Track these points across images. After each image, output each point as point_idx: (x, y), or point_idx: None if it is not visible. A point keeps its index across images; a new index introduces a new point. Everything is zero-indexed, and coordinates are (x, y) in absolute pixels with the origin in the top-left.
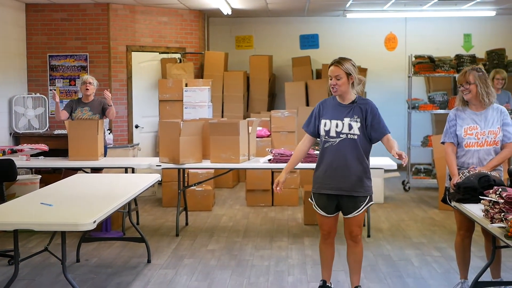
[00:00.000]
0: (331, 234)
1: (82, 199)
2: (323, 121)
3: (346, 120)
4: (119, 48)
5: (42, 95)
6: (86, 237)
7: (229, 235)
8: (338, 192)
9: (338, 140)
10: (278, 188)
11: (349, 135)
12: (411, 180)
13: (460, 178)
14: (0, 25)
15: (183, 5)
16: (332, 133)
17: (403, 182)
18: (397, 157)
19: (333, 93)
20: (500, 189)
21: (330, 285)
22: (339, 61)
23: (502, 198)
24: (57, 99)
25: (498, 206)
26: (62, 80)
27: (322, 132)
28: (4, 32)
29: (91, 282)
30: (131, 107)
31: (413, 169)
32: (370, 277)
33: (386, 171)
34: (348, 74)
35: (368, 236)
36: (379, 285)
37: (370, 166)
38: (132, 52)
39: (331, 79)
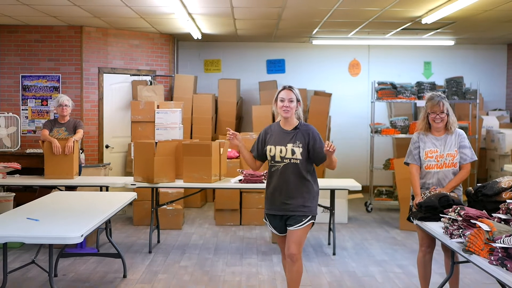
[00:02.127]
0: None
1: (66, 215)
2: (268, 147)
3: (289, 146)
4: (91, 69)
5: (14, 115)
6: (63, 253)
7: (200, 252)
8: (284, 212)
9: (282, 164)
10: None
11: (292, 159)
12: (373, 202)
13: (422, 198)
14: None
15: (155, 29)
16: (277, 158)
17: (365, 203)
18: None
19: (284, 115)
20: (458, 208)
21: None
22: (291, 87)
23: (461, 216)
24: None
25: (456, 223)
26: (34, 100)
27: (268, 157)
28: None
29: None
30: (102, 128)
31: (375, 191)
32: None
33: (350, 192)
34: (297, 100)
35: (334, 254)
36: None
37: (335, 187)
38: (104, 74)
39: (282, 101)
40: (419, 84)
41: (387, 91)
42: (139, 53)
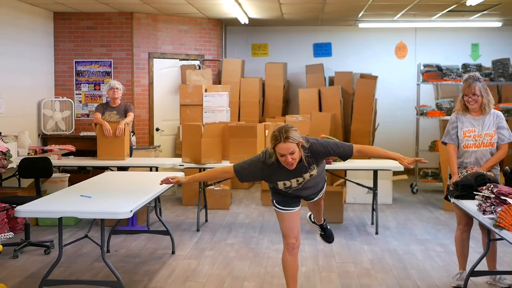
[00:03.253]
0: (297, 242)
1: (116, 193)
2: (280, 183)
3: (306, 175)
4: (142, 55)
5: (68, 99)
6: (115, 230)
7: (246, 231)
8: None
9: (300, 186)
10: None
11: (310, 180)
12: (418, 183)
13: (459, 177)
14: (29, 32)
15: (203, 14)
16: (294, 185)
17: (411, 185)
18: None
19: (291, 168)
20: (492, 186)
21: None
22: (286, 136)
23: (493, 193)
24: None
25: (489, 201)
26: (87, 85)
27: (281, 187)
28: (33, 39)
29: (121, 269)
30: (152, 111)
31: (420, 173)
32: (377, 268)
33: (395, 173)
34: (297, 144)
35: (376, 233)
36: (385, 275)
37: (378, 168)
38: (154, 59)
39: (282, 156)
40: (465, 66)
41: (433, 73)
42: (188, 38)
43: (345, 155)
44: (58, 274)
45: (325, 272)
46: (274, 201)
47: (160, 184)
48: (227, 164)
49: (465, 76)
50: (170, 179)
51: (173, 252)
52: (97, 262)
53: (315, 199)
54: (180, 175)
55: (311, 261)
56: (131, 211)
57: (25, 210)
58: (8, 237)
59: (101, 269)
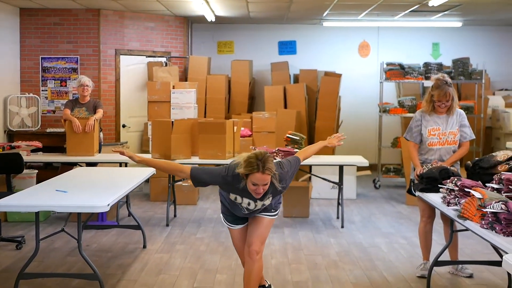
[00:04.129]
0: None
1: (91, 187)
2: (232, 195)
3: (259, 203)
4: (108, 51)
5: (35, 95)
6: (86, 225)
7: (215, 226)
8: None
9: (248, 211)
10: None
11: (260, 210)
12: (381, 179)
13: (424, 169)
14: None
15: (170, 11)
16: (244, 205)
17: (374, 181)
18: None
19: (256, 196)
20: (455, 179)
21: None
22: (266, 168)
23: (457, 186)
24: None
25: (453, 193)
26: (53, 81)
27: (231, 197)
28: None
29: (94, 263)
30: (118, 108)
31: (383, 169)
32: (344, 260)
33: (359, 169)
34: (273, 175)
35: (342, 226)
36: (352, 266)
37: (343, 163)
38: (121, 56)
39: (254, 185)
40: (426, 64)
41: (395, 71)
42: (155, 35)
43: (296, 170)
44: (32, 268)
45: (295, 264)
46: (225, 219)
47: (113, 151)
48: (196, 160)
49: (434, 77)
50: (125, 152)
51: (144, 247)
52: (70, 256)
53: (260, 214)
54: (150, 170)
55: (280, 253)
56: (108, 204)
57: (4, 205)
58: None
59: (75, 263)
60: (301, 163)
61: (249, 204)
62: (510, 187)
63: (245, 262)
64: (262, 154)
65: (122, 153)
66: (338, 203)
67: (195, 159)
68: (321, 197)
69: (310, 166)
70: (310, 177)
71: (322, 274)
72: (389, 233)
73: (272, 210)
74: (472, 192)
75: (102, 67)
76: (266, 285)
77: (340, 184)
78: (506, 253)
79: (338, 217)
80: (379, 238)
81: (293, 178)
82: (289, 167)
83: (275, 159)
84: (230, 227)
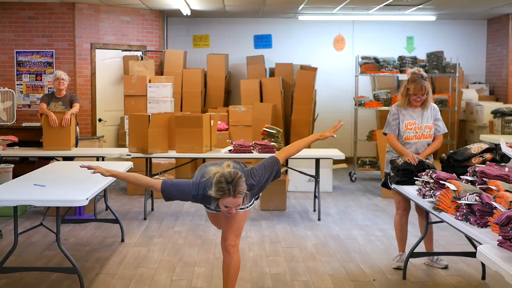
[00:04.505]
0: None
1: (69, 181)
2: (208, 210)
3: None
4: (84, 45)
5: (10, 89)
6: (64, 219)
7: (192, 219)
8: None
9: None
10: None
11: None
12: (357, 172)
13: (400, 161)
14: None
15: (145, 5)
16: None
17: (349, 174)
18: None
19: (227, 215)
20: (431, 171)
21: None
22: (237, 191)
23: (432, 178)
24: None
25: (429, 185)
26: (28, 75)
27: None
28: None
29: (73, 257)
30: (94, 102)
31: (359, 162)
32: (321, 252)
33: (335, 162)
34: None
35: (319, 219)
36: (329, 258)
37: (319, 156)
38: (96, 50)
39: (226, 207)
40: (401, 58)
41: (370, 65)
42: (130, 29)
43: (278, 171)
44: (10, 262)
45: (272, 256)
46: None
47: (81, 166)
48: (173, 154)
49: (410, 71)
50: (91, 166)
51: (122, 240)
52: (48, 251)
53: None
54: (128, 164)
55: (257, 246)
56: (87, 198)
57: None
58: None
59: (53, 257)
60: (280, 164)
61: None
62: (484, 179)
63: (223, 256)
64: (232, 176)
65: (89, 168)
66: (315, 196)
67: (172, 153)
68: (298, 190)
69: (287, 160)
70: (286, 170)
71: (300, 266)
72: (365, 226)
73: (246, 204)
74: (447, 184)
75: (77, 61)
76: None
77: (316, 177)
78: (481, 244)
79: (314, 210)
80: (355, 230)
81: (272, 178)
82: (263, 172)
83: (246, 167)
84: (205, 207)
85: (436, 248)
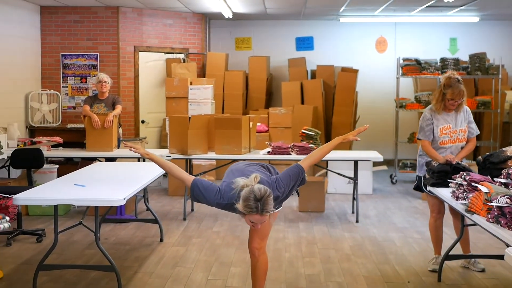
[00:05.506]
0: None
1: (109, 182)
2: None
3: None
4: (127, 48)
5: (55, 92)
6: (105, 218)
7: (231, 220)
8: None
9: None
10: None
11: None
12: (398, 174)
13: (435, 164)
14: (17, 25)
15: (187, 8)
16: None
17: (390, 176)
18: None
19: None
20: (464, 174)
21: None
22: (265, 210)
23: (466, 180)
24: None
25: (462, 188)
26: (74, 77)
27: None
28: (21, 32)
29: (112, 256)
30: (138, 104)
31: (400, 164)
32: (357, 254)
33: (375, 164)
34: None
35: (357, 221)
36: (365, 259)
37: (358, 158)
38: (140, 52)
39: (252, 222)
40: (443, 60)
41: (412, 67)
42: (173, 32)
43: (302, 180)
44: (52, 260)
45: (308, 257)
46: None
47: (124, 145)
48: (212, 155)
49: (445, 76)
50: (133, 146)
51: (161, 240)
52: (88, 250)
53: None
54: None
55: (294, 247)
56: (124, 198)
57: (23, 198)
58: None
59: (93, 255)
60: (304, 171)
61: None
62: None
63: (250, 258)
64: (261, 194)
65: (131, 148)
66: (353, 198)
67: (212, 154)
68: (338, 192)
69: (326, 162)
70: (326, 172)
71: (335, 267)
72: (403, 228)
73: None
74: (479, 186)
75: (121, 63)
76: None
77: (355, 179)
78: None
79: (353, 212)
80: (393, 232)
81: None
82: (288, 182)
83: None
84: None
85: (473, 250)
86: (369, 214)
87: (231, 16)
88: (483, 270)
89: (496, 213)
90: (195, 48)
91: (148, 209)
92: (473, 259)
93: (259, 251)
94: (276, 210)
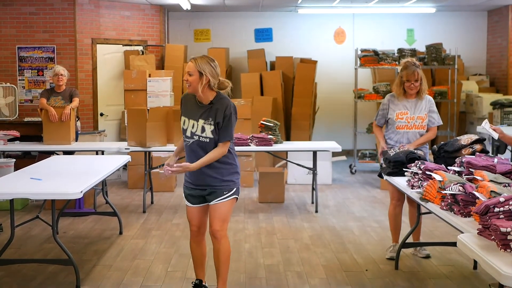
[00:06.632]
0: (200, 230)
1: (65, 175)
2: (182, 118)
3: (201, 122)
4: (85, 40)
5: (12, 85)
6: (63, 212)
7: None
8: (201, 187)
9: (191, 141)
10: (167, 169)
11: (200, 137)
12: (357, 164)
13: (391, 153)
14: None
15: (145, 0)
16: (188, 133)
17: (350, 166)
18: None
19: (188, 90)
20: (419, 162)
21: (205, 284)
22: (196, 58)
23: (421, 169)
24: None
25: (417, 176)
26: (30, 70)
27: (182, 129)
28: None
29: (71, 249)
30: (96, 96)
31: (359, 154)
32: (316, 243)
33: (334, 154)
34: (200, 73)
35: (316, 211)
36: (324, 249)
37: (316, 149)
38: (97, 45)
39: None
40: (400, 50)
41: (370, 57)
42: (131, 24)
43: (221, 137)
44: (9, 254)
45: (267, 248)
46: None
47: (165, 172)
48: (171, 148)
49: (403, 61)
50: (175, 167)
51: (120, 233)
52: (46, 244)
53: (216, 201)
54: (126, 157)
55: (253, 238)
56: (81, 191)
57: None
58: None
59: (51, 249)
60: (224, 142)
61: (193, 126)
62: (470, 169)
63: (212, 244)
64: (205, 55)
65: (174, 171)
66: (313, 188)
67: (171, 146)
68: (297, 183)
69: (286, 152)
70: (286, 163)
71: (294, 257)
72: (362, 217)
73: (225, 193)
74: (433, 175)
75: (78, 56)
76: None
77: (314, 169)
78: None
79: (312, 202)
80: (352, 222)
81: (234, 127)
82: (228, 126)
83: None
84: (186, 203)
85: (431, 238)
86: (329, 204)
87: (189, 8)
88: (428, 256)
89: (449, 200)
90: (153, 40)
91: (107, 202)
92: (418, 247)
93: (221, 233)
94: (229, 197)
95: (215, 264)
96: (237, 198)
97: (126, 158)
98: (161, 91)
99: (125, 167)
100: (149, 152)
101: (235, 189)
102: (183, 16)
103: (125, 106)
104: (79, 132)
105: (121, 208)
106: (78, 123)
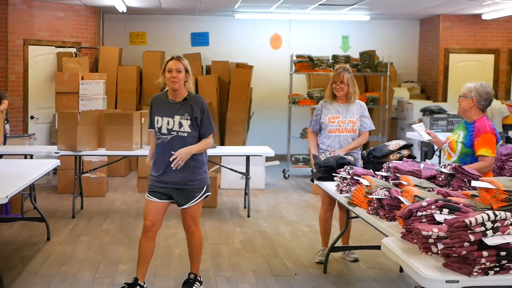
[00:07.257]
0: (153, 227)
1: None
2: (156, 118)
3: (177, 118)
4: (16, 41)
5: None
6: None
7: (122, 217)
8: (171, 186)
9: (169, 137)
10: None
11: (179, 132)
12: (290, 169)
13: (322, 157)
14: None
15: (80, 1)
16: (164, 130)
17: (283, 171)
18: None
19: (172, 86)
20: (348, 168)
21: (141, 283)
22: (179, 57)
23: (349, 174)
24: None
25: (346, 181)
26: None
27: (155, 129)
28: None
29: None
30: (26, 99)
31: (292, 159)
32: (247, 248)
33: (268, 159)
34: (186, 71)
35: (248, 216)
36: (254, 254)
37: (250, 154)
38: (29, 46)
39: (170, 72)
40: (334, 57)
41: (305, 63)
42: (64, 25)
43: (206, 131)
44: None
45: None
46: (147, 190)
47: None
48: (102, 151)
49: (336, 66)
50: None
51: (48, 239)
52: None
53: (188, 205)
54: (56, 161)
55: (184, 243)
56: (6, 196)
57: None
58: None
59: None
60: (208, 135)
61: (168, 123)
62: (396, 174)
63: (186, 238)
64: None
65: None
66: (245, 193)
67: (102, 151)
68: (231, 188)
69: (220, 157)
70: (220, 168)
71: (224, 262)
72: (293, 221)
73: (196, 194)
74: (361, 180)
75: (9, 57)
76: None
77: (247, 174)
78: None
79: (245, 207)
80: (283, 226)
81: (211, 121)
82: (207, 119)
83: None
84: (148, 198)
85: (359, 242)
86: (261, 209)
87: (125, 10)
88: (356, 260)
89: (375, 205)
90: (87, 42)
91: (34, 207)
92: (347, 250)
93: (195, 227)
94: (197, 200)
95: (189, 254)
96: (209, 194)
97: (55, 162)
98: (93, 94)
99: (55, 171)
100: (80, 156)
101: (205, 187)
102: (119, 18)
103: (56, 109)
104: (7, 135)
105: (50, 213)
106: (7, 126)
